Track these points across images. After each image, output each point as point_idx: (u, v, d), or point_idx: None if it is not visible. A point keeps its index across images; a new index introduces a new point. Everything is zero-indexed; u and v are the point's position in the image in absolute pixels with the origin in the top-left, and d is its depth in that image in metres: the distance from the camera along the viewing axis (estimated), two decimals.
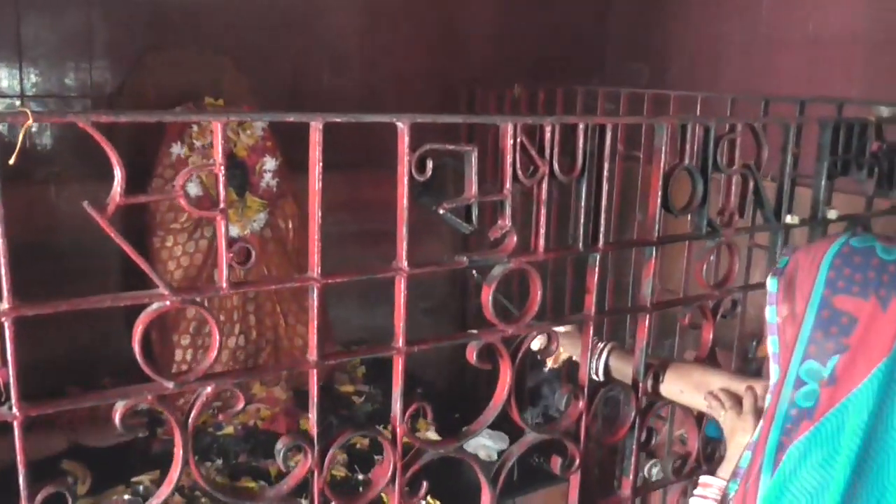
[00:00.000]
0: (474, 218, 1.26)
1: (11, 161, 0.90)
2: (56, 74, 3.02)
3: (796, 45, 3.27)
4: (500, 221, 1.30)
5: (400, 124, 1.16)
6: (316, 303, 1.15)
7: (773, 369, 1.28)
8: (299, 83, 3.53)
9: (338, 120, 1.11)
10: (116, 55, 3.10)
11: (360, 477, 2.56)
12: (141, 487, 2.45)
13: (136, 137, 3.10)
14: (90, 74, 3.05)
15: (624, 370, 1.63)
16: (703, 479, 1.39)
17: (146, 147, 3.04)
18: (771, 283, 1.30)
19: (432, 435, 2.97)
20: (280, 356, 3.04)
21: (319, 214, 1.13)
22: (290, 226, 3.07)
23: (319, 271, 1.15)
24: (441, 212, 1.24)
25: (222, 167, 1.04)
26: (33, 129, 3.03)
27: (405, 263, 1.21)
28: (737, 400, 1.44)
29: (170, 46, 3.18)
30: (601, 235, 1.43)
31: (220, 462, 2.63)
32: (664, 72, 3.82)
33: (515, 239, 1.31)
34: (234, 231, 2.82)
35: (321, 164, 1.11)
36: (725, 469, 1.37)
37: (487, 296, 1.31)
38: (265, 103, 3.31)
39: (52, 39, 2.99)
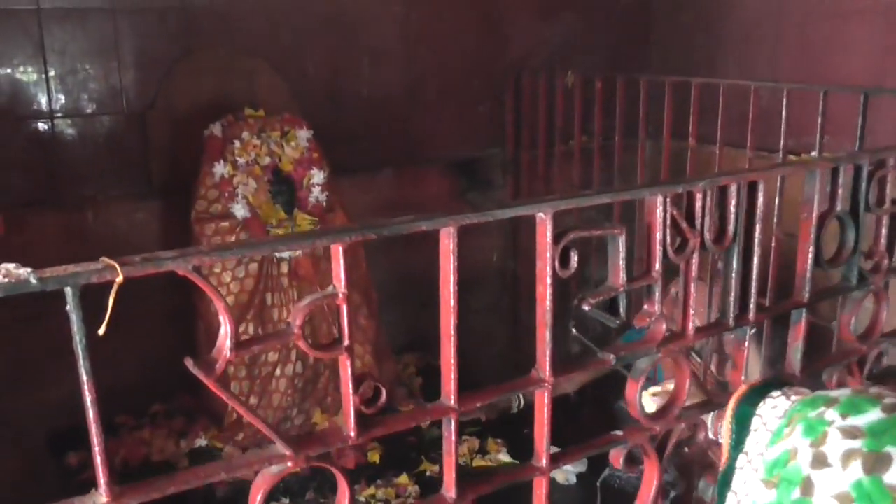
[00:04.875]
0: (622, 310, 1.07)
1: (101, 331, 0.72)
2: (85, 90, 2.82)
3: (867, 13, 3.00)
4: (646, 307, 1.11)
5: (541, 214, 0.97)
6: (453, 436, 0.97)
7: None
8: (339, 81, 3.31)
9: (475, 221, 0.91)
10: (146, 65, 2.89)
11: None
12: None
13: (173, 155, 2.92)
14: (121, 88, 2.85)
15: None
16: None
17: (182, 164, 2.85)
18: None
19: (504, 457, 2.82)
20: (339, 381, 2.87)
21: (455, 334, 0.94)
22: None
23: (456, 399, 0.97)
24: (585, 308, 1.05)
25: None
26: (58, 147, 2.85)
27: (548, 373, 1.03)
28: None
29: (200, 52, 2.97)
30: (752, 305, 1.24)
31: (286, 501, 2.50)
32: (716, 50, 3.56)
33: (665, 326, 1.12)
34: (285, 253, 2.64)
35: (456, 275, 0.92)
36: None
37: (634, 393, 1.12)
38: (305, 106, 3.11)
39: (78, 53, 2.79)
